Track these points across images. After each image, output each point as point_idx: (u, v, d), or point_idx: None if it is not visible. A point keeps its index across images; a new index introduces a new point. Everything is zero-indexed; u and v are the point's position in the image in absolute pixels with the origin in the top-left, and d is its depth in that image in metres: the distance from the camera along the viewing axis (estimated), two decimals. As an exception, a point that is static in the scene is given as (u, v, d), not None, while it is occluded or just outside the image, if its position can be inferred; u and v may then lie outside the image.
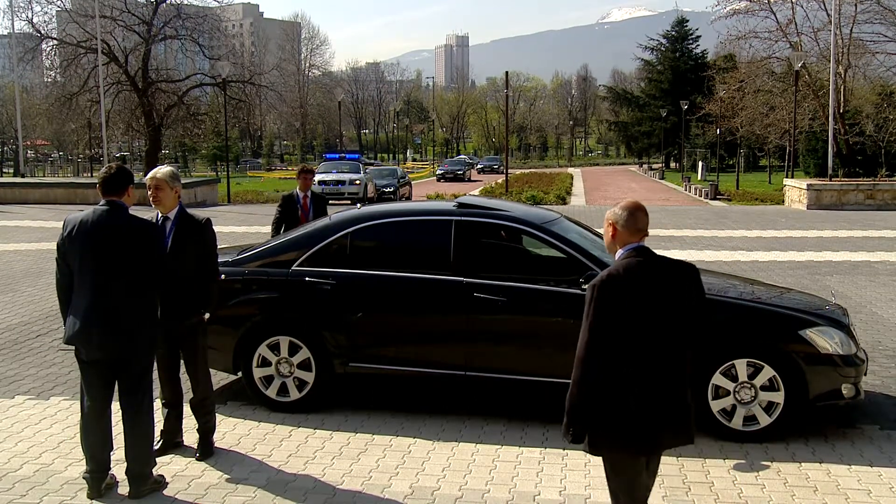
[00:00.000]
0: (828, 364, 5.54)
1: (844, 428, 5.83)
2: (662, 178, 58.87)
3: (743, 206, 29.08)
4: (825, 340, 5.56)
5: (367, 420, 5.97)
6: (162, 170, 5.21)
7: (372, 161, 68.56)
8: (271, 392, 6.16)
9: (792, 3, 37.62)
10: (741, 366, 5.55)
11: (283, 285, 6.15)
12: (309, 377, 6.10)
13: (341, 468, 5.13)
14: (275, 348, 6.14)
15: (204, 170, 73.50)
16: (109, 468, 4.73)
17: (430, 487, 4.85)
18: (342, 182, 29.38)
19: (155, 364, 4.98)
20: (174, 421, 5.41)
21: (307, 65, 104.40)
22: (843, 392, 5.57)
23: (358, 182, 29.56)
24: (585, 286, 4.30)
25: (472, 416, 6.02)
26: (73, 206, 23.28)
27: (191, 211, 5.26)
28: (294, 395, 6.14)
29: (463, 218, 6.09)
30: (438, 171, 59.55)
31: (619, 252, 3.44)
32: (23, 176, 37.61)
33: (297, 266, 6.18)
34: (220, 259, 5.61)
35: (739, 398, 5.57)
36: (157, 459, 4.95)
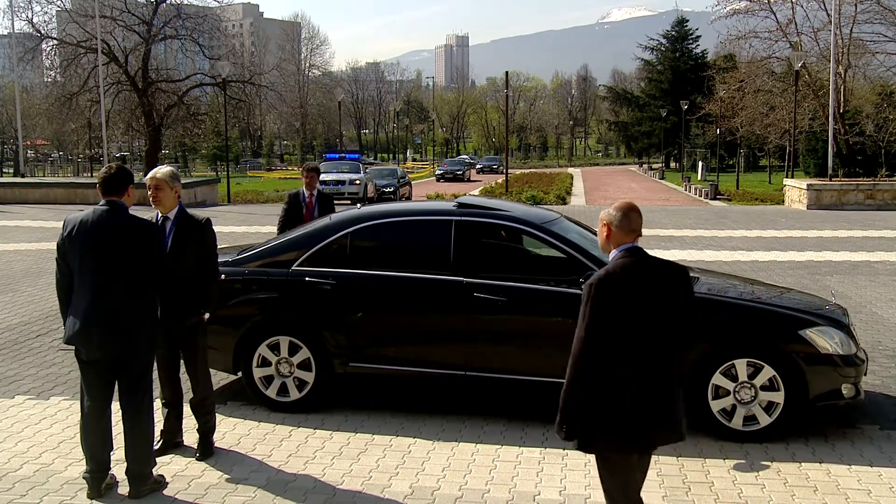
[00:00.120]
0: (828, 364, 5.54)
1: (844, 428, 5.83)
2: (662, 178, 58.87)
3: (743, 206, 29.06)
4: (825, 340, 5.56)
5: (367, 420, 5.97)
6: (162, 170, 5.21)
7: (372, 161, 68.59)
8: (271, 392, 6.16)
9: (792, 3, 37.69)
10: (741, 366, 5.55)
11: (283, 285, 6.15)
12: (309, 377, 6.10)
13: (341, 468, 5.13)
14: (275, 348, 6.14)
15: (204, 170, 73.49)
16: (109, 468, 4.74)
17: (430, 487, 4.85)
18: (342, 182, 29.37)
19: (155, 364, 4.98)
20: (174, 421, 5.41)
21: (307, 65, 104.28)
22: (843, 392, 5.57)
23: (358, 182, 29.57)
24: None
25: (472, 416, 6.02)
26: (73, 206, 23.28)
27: (191, 211, 5.27)
28: (294, 395, 6.14)
29: (463, 218, 6.09)
30: (438, 171, 59.48)
31: (614, 252, 3.51)
32: (23, 176, 37.62)
33: (297, 266, 6.18)
34: (220, 259, 5.62)
35: (739, 398, 5.57)
36: (157, 459, 4.96)
